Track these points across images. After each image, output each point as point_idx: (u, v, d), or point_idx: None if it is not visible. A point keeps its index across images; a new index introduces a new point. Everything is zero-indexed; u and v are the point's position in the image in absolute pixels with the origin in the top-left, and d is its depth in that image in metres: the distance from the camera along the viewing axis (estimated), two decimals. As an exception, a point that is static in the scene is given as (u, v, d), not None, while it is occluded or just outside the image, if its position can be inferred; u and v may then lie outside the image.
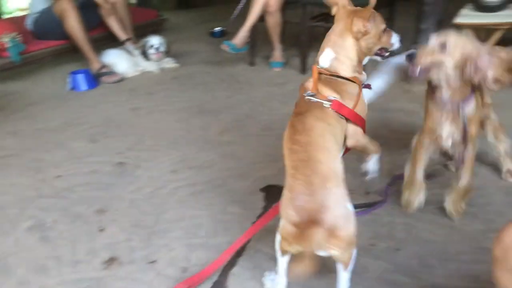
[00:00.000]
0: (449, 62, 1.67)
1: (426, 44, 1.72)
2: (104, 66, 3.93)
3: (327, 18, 3.98)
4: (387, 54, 1.65)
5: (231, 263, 1.71)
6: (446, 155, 1.99)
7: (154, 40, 4.05)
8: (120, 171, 2.43)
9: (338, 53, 1.54)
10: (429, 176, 2.10)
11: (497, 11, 3.31)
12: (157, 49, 4.04)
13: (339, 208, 1.31)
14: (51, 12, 3.91)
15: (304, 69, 3.83)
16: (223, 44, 3.84)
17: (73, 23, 3.84)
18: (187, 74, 4.00)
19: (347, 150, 1.60)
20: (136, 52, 4.09)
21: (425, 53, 1.70)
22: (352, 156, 1.63)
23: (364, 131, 1.58)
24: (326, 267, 1.48)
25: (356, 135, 1.54)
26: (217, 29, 5.20)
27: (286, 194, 1.36)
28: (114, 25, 4.14)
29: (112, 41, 4.22)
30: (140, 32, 4.54)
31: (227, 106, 3.24)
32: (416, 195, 1.92)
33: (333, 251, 1.31)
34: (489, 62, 1.61)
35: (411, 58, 1.71)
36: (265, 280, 1.59)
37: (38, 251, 1.85)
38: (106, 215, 2.05)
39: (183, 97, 3.47)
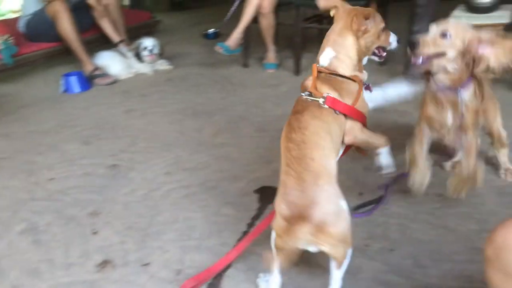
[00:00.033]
0: (451, 50, 1.69)
1: (426, 34, 1.73)
2: (97, 68, 3.92)
3: (320, 20, 4.01)
4: (384, 53, 1.67)
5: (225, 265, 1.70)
6: (445, 149, 2.00)
7: (148, 42, 4.04)
8: (113, 173, 2.42)
9: (338, 52, 1.55)
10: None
11: (489, 12, 3.34)
12: (150, 51, 4.03)
13: (329, 205, 1.32)
14: (44, 14, 3.89)
15: (297, 70, 3.83)
16: (217, 45, 3.84)
17: (66, 25, 3.82)
18: (180, 76, 4.00)
19: (348, 147, 1.61)
20: (130, 54, 4.07)
21: (426, 43, 1.71)
22: (345, 157, 1.63)
23: (365, 127, 1.58)
24: (321, 267, 1.48)
25: (352, 131, 1.54)
26: (210, 30, 5.20)
27: (279, 190, 1.38)
28: (107, 27, 4.12)
29: (105, 43, 4.21)
30: (133, 34, 4.54)
31: (220, 107, 3.24)
32: (423, 177, 1.93)
33: (323, 247, 1.32)
34: (490, 48, 1.63)
35: (412, 47, 1.72)
36: (259, 281, 1.59)
37: (31, 254, 1.84)
38: (99, 218, 2.04)
39: (177, 99, 3.46)
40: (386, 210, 1.98)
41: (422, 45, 1.71)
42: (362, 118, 1.56)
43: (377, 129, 2.62)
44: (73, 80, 3.71)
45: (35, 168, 2.51)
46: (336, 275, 1.42)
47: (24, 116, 3.28)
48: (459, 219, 1.90)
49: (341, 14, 1.57)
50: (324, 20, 3.99)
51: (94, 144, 2.77)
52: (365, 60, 1.62)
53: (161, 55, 4.16)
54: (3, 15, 6.35)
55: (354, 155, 1.71)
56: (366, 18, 1.52)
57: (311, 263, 1.66)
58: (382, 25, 1.60)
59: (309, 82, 1.54)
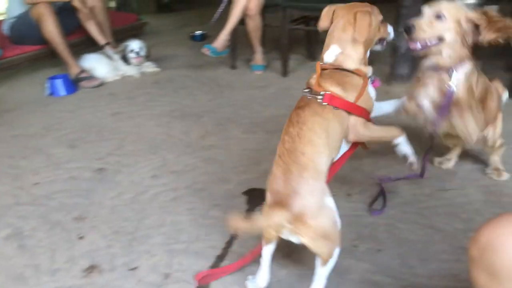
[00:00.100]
0: (449, 32, 1.71)
1: (420, 17, 1.75)
2: (83, 70, 3.88)
3: (307, 21, 4.01)
4: (384, 43, 1.71)
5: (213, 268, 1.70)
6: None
7: (134, 44, 4.02)
8: (100, 177, 2.39)
9: (344, 48, 1.58)
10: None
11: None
12: (137, 53, 4.01)
13: (311, 198, 1.34)
14: (28, 17, 3.84)
15: (285, 72, 3.84)
16: (204, 47, 3.82)
17: (51, 28, 3.78)
18: (167, 78, 3.98)
19: (356, 144, 1.63)
20: (116, 57, 4.04)
21: (422, 26, 1.72)
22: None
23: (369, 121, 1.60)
24: (310, 269, 1.47)
25: (355, 128, 1.56)
26: (197, 32, 5.18)
27: (269, 179, 1.42)
28: (92, 29, 4.09)
29: (91, 46, 4.17)
30: (120, 36, 4.50)
31: (208, 109, 3.23)
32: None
33: (302, 238, 1.34)
34: (482, 24, 1.66)
35: (408, 31, 1.73)
36: (248, 283, 1.58)
37: (16, 259, 1.81)
38: (85, 222, 2.02)
39: (164, 101, 3.44)
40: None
41: (418, 29, 1.72)
42: (365, 114, 1.57)
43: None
44: (59, 83, 3.66)
45: (20, 172, 2.48)
46: (320, 273, 1.42)
47: (8, 120, 3.23)
48: (446, 218, 1.92)
49: (341, 12, 1.60)
50: (311, 21, 4.00)
51: (80, 148, 2.74)
52: (368, 53, 1.65)
53: (148, 57, 4.13)
54: (-13, 17, 6.26)
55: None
56: (369, 13, 1.57)
57: (300, 264, 1.66)
58: (380, 17, 1.64)
59: (313, 80, 1.57)
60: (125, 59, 4.02)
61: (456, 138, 2.21)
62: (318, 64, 1.59)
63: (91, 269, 1.73)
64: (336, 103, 1.49)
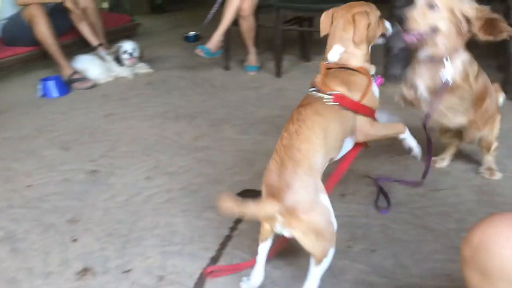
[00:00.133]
0: (443, 22, 1.71)
1: (412, 8, 1.75)
2: (75, 72, 3.86)
3: (301, 22, 4.02)
4: (384, 38, 1.74)
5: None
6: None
7: (128, 45, 4.00)
8: (93, 179, 2.38)
9: (347, 46, 1.61)
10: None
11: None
12: (130, 54, 3.99)
13: (303, 193, 1.36)
14: (20, 18, 3.82)
15: (278, 72, 3.84)
16: (197, 48, 3.82)
17: (43, 29, 3.75)
18: (161, 79, 3.97)
19: (358, 145, 1.65)
20: (109, 58, 4.02)
21: (415, 16, 1.73)
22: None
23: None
24: (304, 270, 1.47)
25: (363, 129, 1.59)
26: (191, 33, 5.17)
27: (264, 174, 1.44)
28: (85, 30, 4.07)
29: (83, 47, 4.15)
30: (112, 37, 4.48)
31: (202, 110, 3.23)
32: None
33: (294, 232, 1.36)
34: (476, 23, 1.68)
35: (401, 23, 1.74)
36: (242, 284, 1.58)
37: (8, 262, 1.79)
38: (79, 225, 2.01)
39: (157, 102, 3.44)
40: (367, 211, 2.00)
41: (411, 20, 1.73)
42: (371, 113, 1.60)
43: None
44: (51, 85, 3.64)
45: (12, 175, 2.46)
46: (314, 272, 1.42)
47: (0, 121, 3.20)
48: (438, 218, 1.92)
49: (340, 12, 1.64)
50: (304, 22, 4.01)
51: (73, 150, 2.73)
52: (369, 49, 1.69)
53: (141, 59, 4.12)
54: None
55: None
56: (367, 13, 1.61)
57: (294, 266, 1.66)
58: (378, 13, 1.67)
59: (318, 79, 1.58)
60: (118, 60, 4.00)
61: (452, 136, 2.22)
62: (323, 64, 1.62)
63: (84, 272, 1.72)
64: (346, 103, 1.52)
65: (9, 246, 1.89)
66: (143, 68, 4.12)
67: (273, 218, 1.37)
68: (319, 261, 1.40)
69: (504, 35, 1.76)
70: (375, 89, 1.64)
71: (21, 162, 2.60)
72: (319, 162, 1.42)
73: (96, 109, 3.35)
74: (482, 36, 1.75)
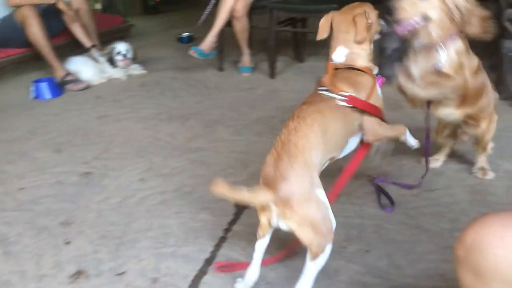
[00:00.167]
0: (433, 10, 1.72)
1: None
2: (68, 73, 3.84)
3: (294, 23, 4.02)
4: (379, 35, 1.78)
5: (202, 272, 1.69)
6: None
7: (121, 47, 3.99)
8: (86, 181, 2.37)
9: (351, 48, 1.66)
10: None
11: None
12: (124, 55, 3.98)
13: (299, 185, 1.36)
14: (12, 20, 3.80)
15: (272, 73, 3.84)
16: (191, 49, 3.81)
17: (36, 30, 3.74)
18: (154, 80, 3.96)
19: (366, 147, 1.69)
20: (102, 59, 4.01)
21: (405, 6, 1.74)
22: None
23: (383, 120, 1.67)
24: (299, 272, 1.47)
25: (372, 129, 1.64)
26: (184, 34, 5.17)
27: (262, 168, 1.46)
28: (78, 31, 4.05)
29: (76, 48, 4.13)
30: (106, 38, 4.47)
31: (195, 111, 3.22)
32: None
33: (289, 223, 1.36)
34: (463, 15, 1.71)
35: (391, 14, 1.76)
36: (237, 285, 1.57)
37: (1, 265, 1.78)
38: (72, 227, 1.99)
39: (151, 103, 3.43)
40: (362, 211, 2.00)
41: (401, 10, 1.74)
42: (380, 113, 1.64)
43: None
44: (44, 86, 3.62)
45: (5, 177, 2.44)
46: (309, 268, 1.41)
47: (-8, 124, 3.19)
48: (432, 218, 1.93)
49: (340, 17, 1.69)
50: (298, 23, 4.01)
51: (66, 152, 2.71)
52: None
53: (135, 60, 4.11)
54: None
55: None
56: (366, 15, 1.66)
57: (289, 268, 1.66)
58: (376, 12, 1.71)
59: (325, 79, 1.62)
60: (111, 61, 3.99)
61: (447, 135, 2.23)
62: (330, 64, 1.66)
63: (77, 274, 1.71)
64: (358, 104, 1.56)
65: (1, 249, 1.87)
66: (136, 70, 4.11)
67: (268, 210, 1.38)
68: (315, 256, 1.39)
69: (487, 36, 1.78)
70: (378, 88, 1.69)
71: (13, 164, 2.58)
72: (316, 158, 1.43)
73: (89, 111, 3.33)
74: (469, 30, 1.76)
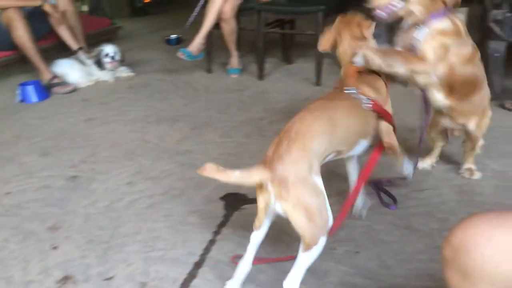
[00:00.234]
0: None
1: None
2: (55, 76, 3.80)
3: (282, 25, 4.02)
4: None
5: (191, 275, 1.68)
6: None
7: (109, 49, 3.96)
8: (73, 185, 2.34)
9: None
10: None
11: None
12: (112, 57, 3.95)
13: (296, 167, 1.37)
14: (-3, 22, 3.75)
15: (261, 75, 3.84)
16: (179, 51, 3.80)
17: (21, 33, 3.69)
18: (142, 82, 3.93)
19: (380, 149, 1.73)
20: (89, 62, 3.97)
21: None
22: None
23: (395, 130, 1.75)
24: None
25: (390, 134, 1.73)
26: (172, 36, 5.14)
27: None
28: (65, 34, 4.01)
29: (63, 51, 4.09)
30: (92, 40, 4.43)
31: (184, 114, 3.20)
32: None
33: (284, 205, 1.36)
34: None
35: (367, 2, 1.82)
36: (226, 288, 1.57)
37: (-14, 273, 1.75)
38: (59, 232, 1.97)
39: (139, 106, 3.40)
40: (351, 212, 2.00)
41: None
42: (393, 121, 1.74)
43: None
44: (30, 90, 3.58)
45: (-10, 182, 2.41)
46: (301, 259, 1.40)
47: (-22, 128, 3.14)
48: (421, 218, 1.94)
49: (345, 29, 1.80)
50: (286, 25, 4.02)
51: (53, 155, 2.68)
52: None
53: (123, 62, 4.08)
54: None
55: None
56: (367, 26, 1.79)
57: (278, 269, 1.65)
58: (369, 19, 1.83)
59: (350, 81, 1.69)
60: (99, 64, 3.95)
61: (439, 131, 2.23)
62: (351, 66, 1.74)
63: (65, 280, 1.69)
64: (381, 110, 1.67)
65: (-13, 255, 1.84)
66: (124, 72, 4.08)
67: (266, 191, 1.38)
68: (308, 247, 1.38)
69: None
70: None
71: (-1, 169, 2.55)
72: (318, 146, 1.45)
73: (76, 114, 3.30)
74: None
